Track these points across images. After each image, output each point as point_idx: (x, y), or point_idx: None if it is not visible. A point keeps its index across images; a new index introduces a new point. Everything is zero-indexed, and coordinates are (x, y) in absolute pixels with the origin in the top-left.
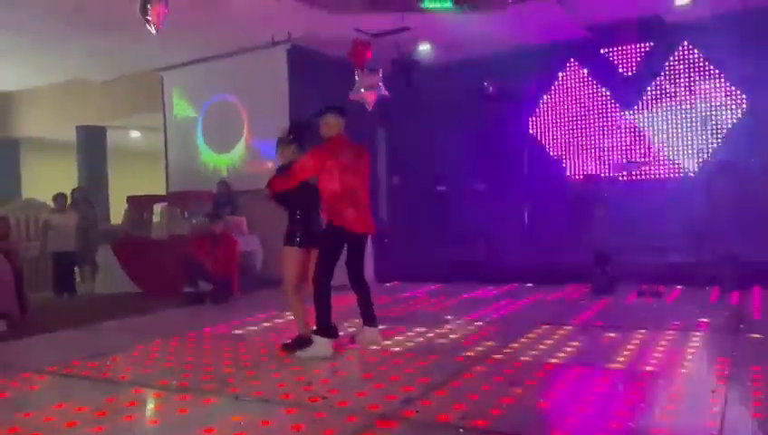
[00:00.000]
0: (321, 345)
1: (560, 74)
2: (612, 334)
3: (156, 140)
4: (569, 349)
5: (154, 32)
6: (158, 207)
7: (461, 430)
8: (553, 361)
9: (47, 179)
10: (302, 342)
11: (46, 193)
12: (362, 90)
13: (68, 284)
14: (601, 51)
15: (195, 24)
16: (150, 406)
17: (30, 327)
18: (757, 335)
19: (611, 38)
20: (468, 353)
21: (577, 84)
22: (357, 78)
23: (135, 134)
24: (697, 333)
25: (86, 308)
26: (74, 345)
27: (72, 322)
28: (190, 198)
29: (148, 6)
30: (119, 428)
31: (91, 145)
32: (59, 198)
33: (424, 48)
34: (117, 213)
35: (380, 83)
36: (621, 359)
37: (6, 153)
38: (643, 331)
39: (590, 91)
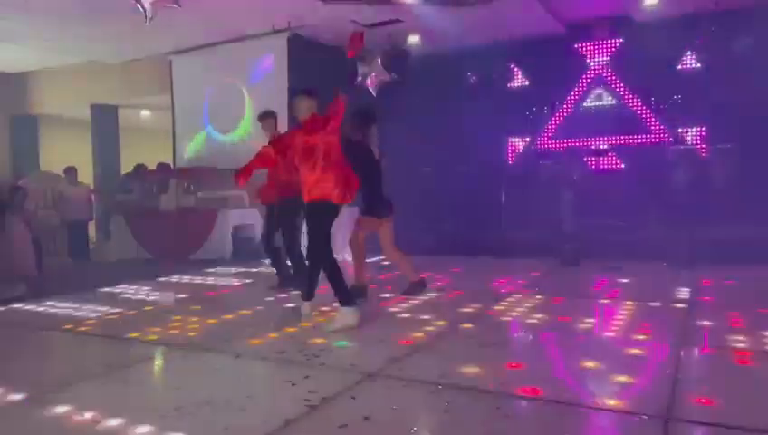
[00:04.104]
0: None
1: (537, 67)
2: (577, 303)
3: (164, 119)
4: (538, 315)
5: (147, 23)
6: None
7: (439, 386)
8: (524, 324)
9: (63, 153)
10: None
11: (62, 166)
12: (367, 78)
13: (82, 250)
14: (575, 46)
15: (202, 12)
16: (158, 361)
17: (47, 289)
18: (707, 303)
19: (584, 34)
20: (447, 319)
21: (551, 77)
22: (359, 68)
23: (145, 113)
24: (654, 304)
25: (99, 273)
26: (87, 306)
27: (86, 285)
28: (195, 174)
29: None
30: (129, 381)
31: (104, 122)
32: (70, 171)
33: (413, 39)
34: None
35: (381, 69)
36: (585, 325)
37: (26, 129)
38: (605, 300)
39: (564, 83)
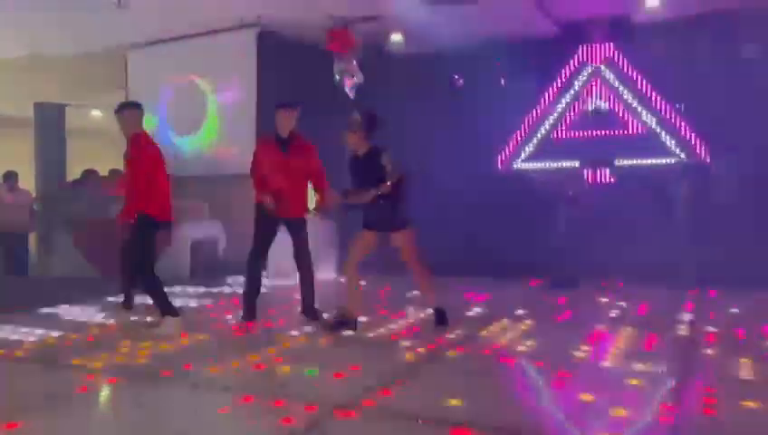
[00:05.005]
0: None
1: (528, 70)
2: (570, 329)
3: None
4: (528, 342)
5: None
6: None
7: (419, 420)
8: (512, 353)
9: (1, 156)
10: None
11: (0, 171)
12: (343, 78)
13: (20, 266)
14: (570, 48)
15: (162, 1)
16: (105, 393)
17: None
18: (712, 329)
19: (581, 36)
20: (429, 346)
21: (544, 81)
22: (335, 66)
23: (96, 113)
24: (655, 328)
25: (38, 291)
26: (25, 328)
27: (24, 305)
28: None
29: None
30: (72, 414)
31: (49, 122)
32: (9, 176)
33: (396, 39)
34: None
35: (357, 70)
36: (579, 353)
37: None
38: (601, 325)
39: (558, 87)
